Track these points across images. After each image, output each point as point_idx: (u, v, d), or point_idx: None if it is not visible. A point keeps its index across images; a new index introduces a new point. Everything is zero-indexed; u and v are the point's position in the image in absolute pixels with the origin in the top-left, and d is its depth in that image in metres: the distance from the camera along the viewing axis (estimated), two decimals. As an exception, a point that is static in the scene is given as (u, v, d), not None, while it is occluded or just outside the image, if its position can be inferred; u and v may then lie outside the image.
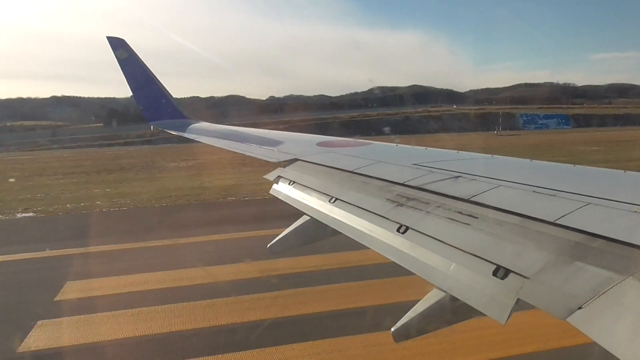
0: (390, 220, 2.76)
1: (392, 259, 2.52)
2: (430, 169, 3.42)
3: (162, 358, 7.99)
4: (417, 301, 2.37)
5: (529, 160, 3.70)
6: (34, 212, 21.23)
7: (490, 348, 7.73)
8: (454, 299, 2.12)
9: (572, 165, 3.37)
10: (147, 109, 9.59)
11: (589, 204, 2.23)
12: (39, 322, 9.12)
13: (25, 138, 78.75)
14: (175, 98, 10.30)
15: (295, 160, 4.81)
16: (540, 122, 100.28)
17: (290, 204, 3.90)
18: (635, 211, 2.07)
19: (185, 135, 8.71)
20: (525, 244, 2.07)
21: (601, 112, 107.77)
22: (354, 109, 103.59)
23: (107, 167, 40.30)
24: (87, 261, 13.22)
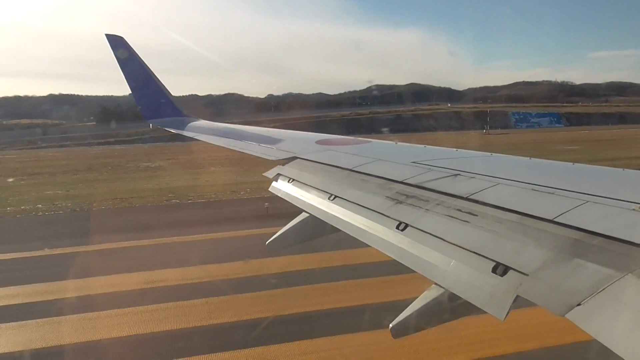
0: (389, 217, 2.76)
1: (392, 256, 2.52)
2: (429, 167, 3.43)
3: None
4: (416, 298, 2.37)
5: (527, 158, 3.71)
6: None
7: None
8: (452, 296, 2.12)
9: (571, 163, 3.38)
10: (146, 107, 9.52)
11: (588, 202, 2.24)
12: None
13: (20, 137, 78.27)
14: (174, 96, 10.23)
15: (295, 158, 4.80)
16: (532, 120, 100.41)
17: (290, 201, 3.90)
18: (633, 209, 2.08)
19: (184, 133, 8.62)
20: (524, 241, 2.07)
21: (595, 110, 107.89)
22: (351, 107, 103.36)
23: (78, 167, 40.08)
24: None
